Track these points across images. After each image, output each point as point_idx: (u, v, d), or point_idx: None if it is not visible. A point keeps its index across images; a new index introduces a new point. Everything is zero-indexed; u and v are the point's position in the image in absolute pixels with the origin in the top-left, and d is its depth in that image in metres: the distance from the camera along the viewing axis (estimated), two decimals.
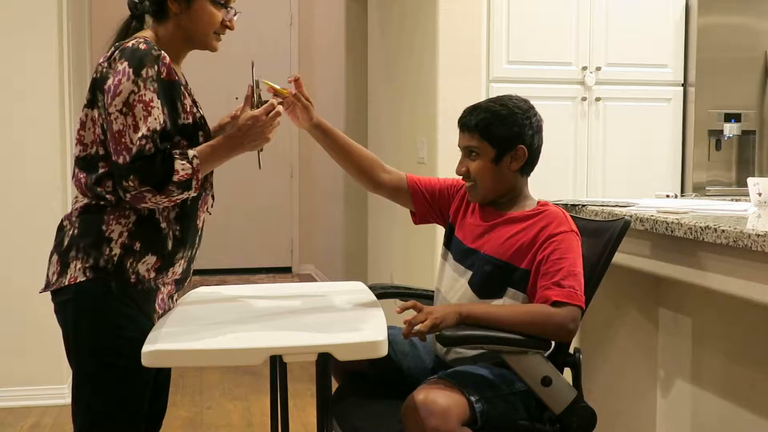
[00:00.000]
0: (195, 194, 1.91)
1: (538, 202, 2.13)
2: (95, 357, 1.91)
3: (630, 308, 2.73)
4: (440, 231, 3.65)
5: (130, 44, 1.87)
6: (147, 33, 1.96)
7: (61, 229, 1.95)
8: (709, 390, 2.47)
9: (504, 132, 2.07)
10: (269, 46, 7.30)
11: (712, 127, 3.93)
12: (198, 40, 2.03)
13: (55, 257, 1.93)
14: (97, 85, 1.89)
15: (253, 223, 7.35)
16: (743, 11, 3.92)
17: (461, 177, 2.15)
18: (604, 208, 2.51)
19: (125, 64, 1.83)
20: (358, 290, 2.23)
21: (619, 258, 2.17)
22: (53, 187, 3.77)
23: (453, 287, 2.13)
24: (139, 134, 1.81)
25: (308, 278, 7.25)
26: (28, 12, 3.70)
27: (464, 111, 2.15)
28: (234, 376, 4.15)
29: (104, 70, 1.88)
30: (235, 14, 2.06)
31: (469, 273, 2.10)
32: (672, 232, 2.15)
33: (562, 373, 2.01)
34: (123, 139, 1.81)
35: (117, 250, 1.88)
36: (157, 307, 1.96)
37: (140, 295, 1.91)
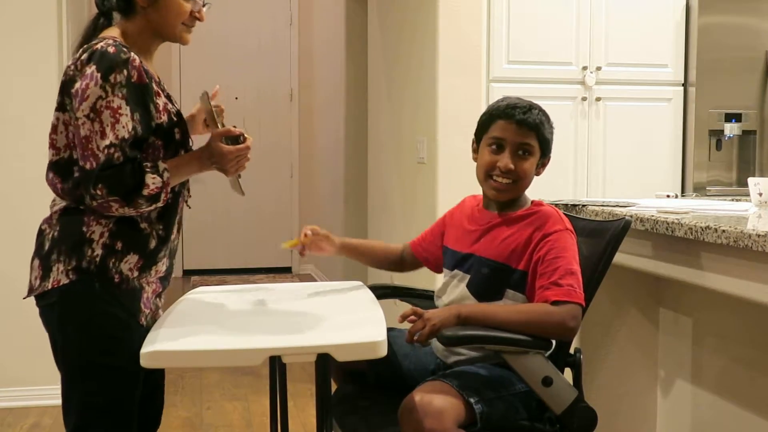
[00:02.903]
0: (163, 205, 1.89)
1: (532, 202, 2.12)
2: (84, 357, 1.90)
3: (630, 308, 2.73)
4: None
5: (98, 46, 1.83)
6: (114, 31, 1.93)
7: (41, 233, 1.92)
8: (709, 390, 2.46)
9: (550, 138, 2.10)
10: (269, 46, 7.31)
11: (713, 127, 3.93)
12: (167, 33, 1.98)
13: (36, 262, 1.91)
14: (65, 88, 1.88)
15: (253, 223, 7.35)
16: (743, 11, 3.92)
17: (504, 172, 2.04)
18: (605, 208, 2.51)
19: (93, 68, 1.81)
20: (358, 290, 2.23)
21: (619, 258, 2.17)
22: None
23: (452, 292, 2.13)
24: (107, 142, 1.79)
25: (308, 278, 7.25)
26: (28, 12, 3.70)
27: (514, 106, 2.05)
28: (233, 377, 4.14)
29: (72, 72, 1.85)
30: (204, 4, 2.02)
31: (468, 277, 2.10)
32: (672, 232, 2.15)
33: (563, 373, 2.01)
34: (90, 145, 1.79)
35: (99, 251, 1.86)
36: (142, 306, 1.94)
37: (125, 294, 1.90)
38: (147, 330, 1.85)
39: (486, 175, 2.08)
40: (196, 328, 1.87)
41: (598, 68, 3.82)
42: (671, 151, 3.95)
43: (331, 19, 6.15)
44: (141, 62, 1.87)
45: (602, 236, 2.07)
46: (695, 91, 3.90)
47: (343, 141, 5.66)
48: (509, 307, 2.00)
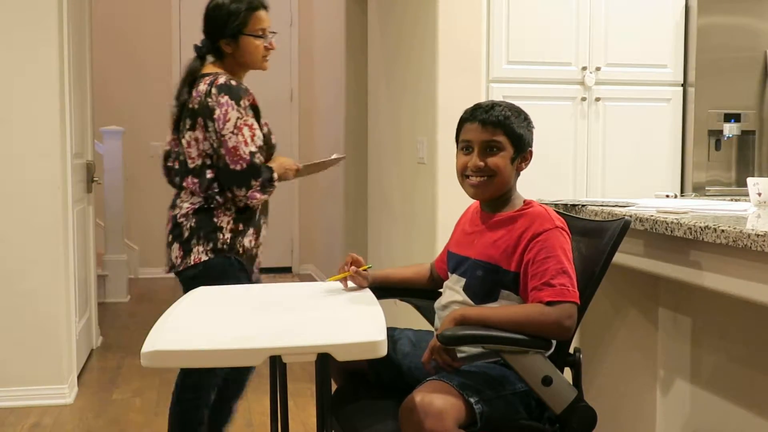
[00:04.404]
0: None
1: (524, 202, 2.13)
2: None
3: (630, 308, 2.73)
4: (440, 231, 3.67)
5: (221, 81, 2.54)
6: (218, 68, 2.63)
7: (178, 225, 2.61)
8: (708, 389, 2.47)
9: (522, 132, 2.09)
10: None
11: (712, 127, 3.93)
12: (251, 66, 2.69)
13: (176, 245, 2.60)
14: (198, 114, 2.55)
15: None
16: (743, 11, 3.92)
17: (475, 171, 2.09)
18: (604, 208, 2.51)
19: (227, 98, 2.51)
20: (358, 290, 2.23)
21: (618, 258, 2.17)
22: (53, 187, 3.77)
23: (451, 296, 2.14)
24: (251, 148, 2.52)
25: (308, 278, 7.25)
26: (28, 12, 3.70)
27: (477, 108, 2.11)
28: None
29: (204, 101, 2.54)
30: (272, 36, 2.67)
31: (463, 280, 2.11)
32: (672, 232, 2.15)
33: (562, 373, 2.01)
34: (238, 152, 2.51)
35: (228, 234, 2.58)
36: (255, 269, 2.68)
37: (247, 262, 2.63)
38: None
39: (462, 176, 2.14)
40: (196, 328, 1.88)
41: (598, 68, 3.83)
42: (670, 152, 3.96)
43: (331, 19, 6.15)
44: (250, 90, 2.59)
45: (601, 236, 2.07)
46: (694, 92, 3.90)
47: (343, 141, 5.66)
48: (505, 308, 2.00)
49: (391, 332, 1.88)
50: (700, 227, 2.04)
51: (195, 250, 2.57)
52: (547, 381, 1.92)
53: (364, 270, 2.25)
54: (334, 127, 6.09)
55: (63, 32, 3.84)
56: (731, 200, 2.96)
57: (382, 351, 1.66)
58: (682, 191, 3.90)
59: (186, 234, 2.59)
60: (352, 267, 2.24)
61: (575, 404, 1.95)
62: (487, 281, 2.05)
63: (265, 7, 2.67)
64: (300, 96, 7.38)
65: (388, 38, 4.57)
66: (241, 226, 2.60)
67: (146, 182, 7.20)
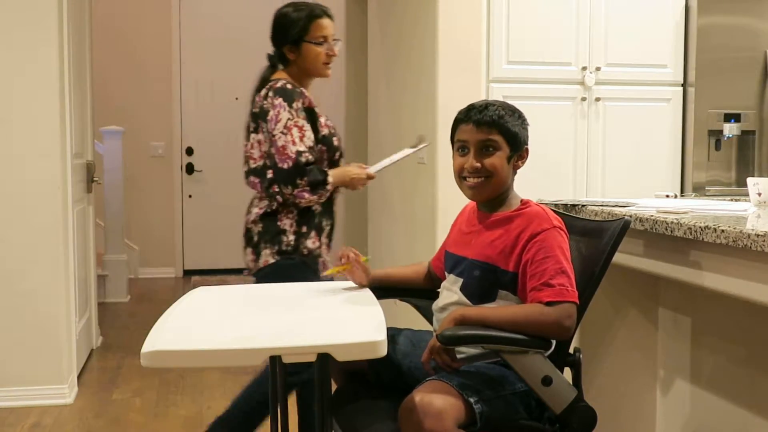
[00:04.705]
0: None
1: (521, 201, 2.13)
2: None
3: (629, 308, 2.73)
4: (441, 231, 3.67)
5: (278, 85, 2.67)
6: (283, 74, 2.75)
7: (248, 231, 2.75)
8: (708, 389, 2.47)
9: (517, 130, 2.09)
10: (270, 46, 7.29)
11: (712, 127, 3.93)
12: (313, 72, 2.78)
13: (248, 249, 2.74)
14: (259, 116, 2.69)
15: None
16: (743, 11, 3.92)
17: (472, 172, 2.09)
18: (604, 208, 2.51)
19: (280, 100, 2.64)
20: (358, 290, 2.23)
21: (618, 258, 2.17)
22: (53, 187, 3.77)
23: (448, 297, 2.14)
24: (298, 148, 2.60)
25: None
26: (28, 12, 3.70)
27: (471, 108, 2.11)
28: (234, 376, 4.14)
29: (264, 105, 2.68)
30: (335, 42, 2.76)
31: (460, 280, 2.10)
32: (672, 232, 2.15)
33: (562, 373, 2.01)
34: (286, 151, 2.60)
35: (291, 237, 2.70)
36: (320, 267, 2.72)
37: (311, 261, 2.72)
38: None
39: (459, 178, 2.13)
40: (196, 328, 1.88)
41: (598, 68, 3.83)
42: (670, 151, 3.96)
43: None
44: (309, 94, 2.71)
45: (601, 236, 2.07)
46: (694, 92, 3.91)
47: (343, 141, 5.65)
48: (504, 308, 2.00)
49: (391, 332, 1.88)
50: (700, 227, 2.04)
51: (263, 253, 2.70)
52: (547, 381, 1.92)
53: (364, 261, 2.25)
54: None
55: (63, 32, 3.84)
56: (731, 200, 2.95)
57: (382, 351, 1.66)
58: (682, 191, 3.91)
59: (255, 238, 2.73)
60: (351, 255, 2.24)
61: (575, 404, 1.95)
62: (484, 281, 2.05)
63: (328, 15, 2.77)
64: None
65: (388, 38, 4.57)
66: (304, 228, 2.71)
67: (146, 182, 7.20)
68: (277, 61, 2.81)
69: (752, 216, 2.26)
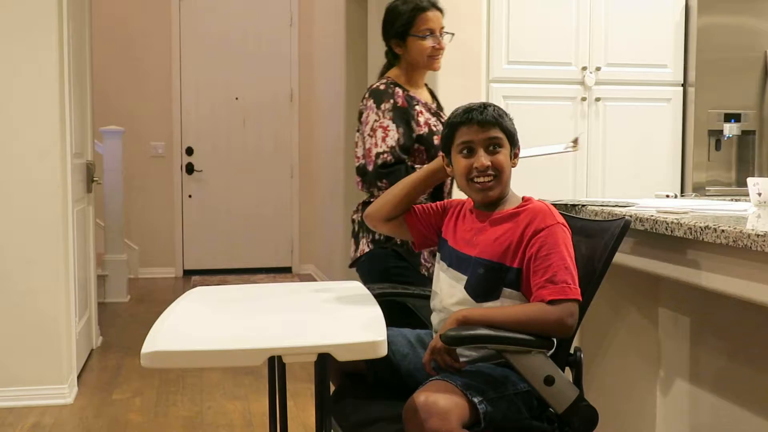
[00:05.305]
0: None
1: (523, 198, 2.13)
2: None
3: (630, 308, 2.73)
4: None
5: (374, 86, 2.75)
6: (394, 72, 2.79)
7: (353, 222, 2.80)
8: (708, 389, 2.47)
9: (513, 129, 2.13)
10: (269, 46, 7.31)
11: (712, 127, 3.94)
12: (421, 65, 2.77)
13: (352, 240, 2.80)
14: (359, 117, 2.76)
15: (253, 223, 7.35)
16: (743, 11, 3.93)
17: (482, 171, 2.08)
18: (604, 208, 2.51)
19: (372, 101, 2.71)
20: (358, 290, 2.24)
21: (618, 258, 2.17)
22: (53, 187, 3.77)
23: (451, 294, 2.13)
24: (378, 149, 2.61)
25: (308, 278, 7.25)
26: (28, 12, 3.71)
27: (470, 110, 2.10)
28: (234, 376, 4.15)
29: (361, 106, 2.76)
30: (442, 35, 2.74)
31: (464, 278, 2.10)
32: (672, 232, 2.15)
33: (563, 373, 2.01)
34: (371, 153, 2.63)
35: None
36: (422, 260, 2.65)
37: (406, 253, 2.64)
38: (427, 278, 2.56)
39: (467, 180, 2.11)
40: (196, 328, 1.87)
41: (598, 68, 3.83)
42: (671, 151, 3.96)
43: (331, 19, 6.15)
44: (405, 92, 2.71)
45: (602, 236, 2.07)
46: (694, 92, 3.91)
47: (343, 141, 5.66)
48: (507, 308, 2.00)
49: (389, 332, 1.87)
50: (700, 227, 2.04)
51: (361, 242, 2.74)
52: (549, 380, 1.92)
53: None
54: (334, 127, 6.09)
55: (63, 32, 3.84)
56: (731, 200, 2.95)
57: (382, 351, 1.66)
58: (682, 191, 3.91)
59: (356, 228, 2.79)
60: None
61: (577, 404, 1.95)
62: (489, 279, 2.05)
63: (437, 8, 2.74)
64: (300, 96, 7.38)
65: None
66: None
67: (146, 182, 7.21)
68: (391, 57, 2.81)
69: (752, 216, 2.26)
